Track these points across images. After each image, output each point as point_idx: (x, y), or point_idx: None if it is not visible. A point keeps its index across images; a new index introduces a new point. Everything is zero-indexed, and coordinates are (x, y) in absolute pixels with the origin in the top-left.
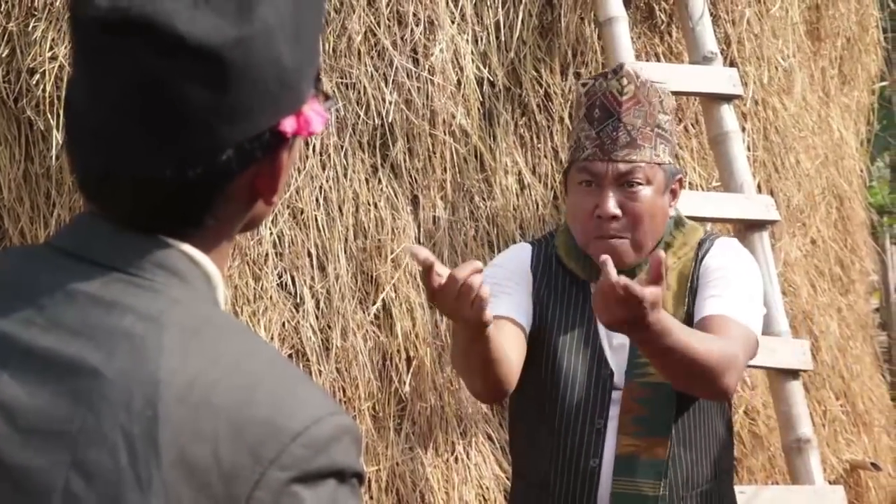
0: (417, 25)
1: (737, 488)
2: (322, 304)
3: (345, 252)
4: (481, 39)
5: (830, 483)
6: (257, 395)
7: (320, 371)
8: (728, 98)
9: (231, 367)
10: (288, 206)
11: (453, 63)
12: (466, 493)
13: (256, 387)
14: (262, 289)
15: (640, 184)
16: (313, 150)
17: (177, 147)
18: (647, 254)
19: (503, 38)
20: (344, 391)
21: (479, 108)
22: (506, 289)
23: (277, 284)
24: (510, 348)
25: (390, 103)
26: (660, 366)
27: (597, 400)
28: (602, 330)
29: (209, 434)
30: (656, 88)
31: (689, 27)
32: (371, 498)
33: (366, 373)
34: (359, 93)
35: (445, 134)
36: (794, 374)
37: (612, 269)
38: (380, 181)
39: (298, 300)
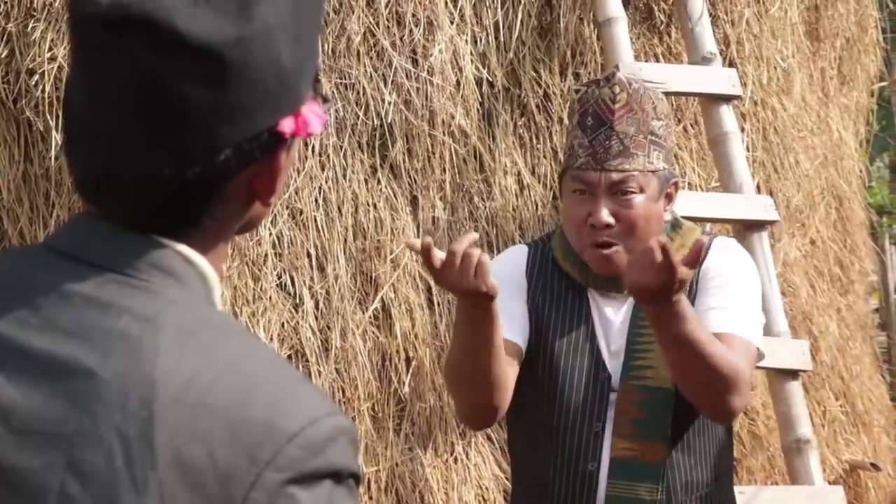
0: (416, 26)
1: (736, 489)
2: (321, 304)
3: (344, 252)
4: (480, 40)
5: (830, 483)
6: (254, 395)
7: (320, 371)
8: (727, 98)
9: (228, 367)
10: (287, 207)
11: (452, 64)
12: (466, 493)
13: (253, 388)
14: (261, 289)
15: (633, 192)
16: (312, 151)
17: (176, 146)
18: None
19: (502, 39)
20: (343, 392)
21: (478, 109)
22: (501, 303)
23: (277, 285)
24: (503, 369)
25: (389, 104)
26: (674, 360)
27: (595, 403)
28: (600, 333)
29: (205, 435)
30: (650, 94)
31: (688, 27)
32: (370, 498)
33: (365, 373)
34: (358, 93)
35: (445, 134)
36: (793, 374)
37: (655, 244)
38: (379, 182)
39: (298, 301)
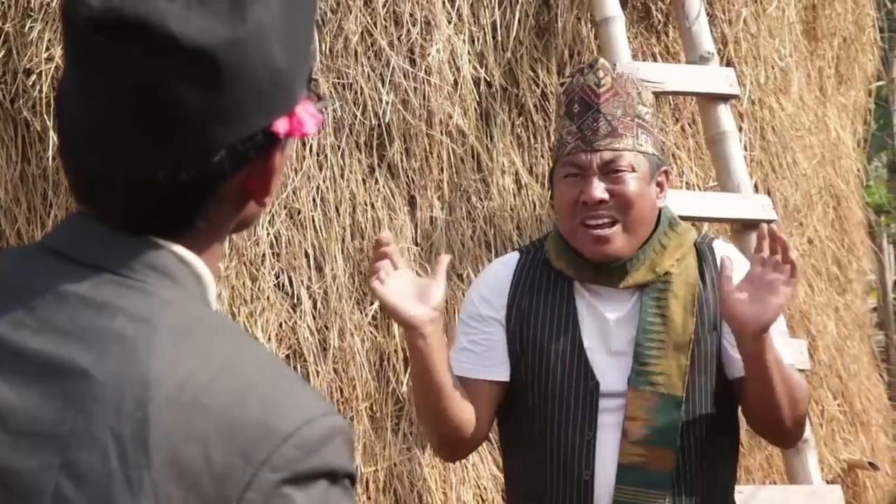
0: (414, 26)
1: (735, 488)
2: (319, 304)
3: (342, 252)
4: (478, 39)
5: (828, 483)
6: (249, 396)
7: (318, 371)
8: (725, 98)
9: (223, 368)
10: (285, 207)
11: (450, 63)
12: (464, 493)
13: (248, 388)
14: (259, 289)
15: (624, 170)
16: (310, 151)
17: (171, 147)
18: (639, 245)
19: (500, 38)
20: (341, 391)
21: (475, 109)
22: (474, 336)
23: (274, 285)
24: (468, 409)
25: (387, 103)
26: (767, 384)
27: (585, 412)
28: (590, 339)
29: (200, 435)
30: (633, 80)
31: (685, 27)
32: (369, 498)
33: (363, 373)
34: (355, 93)
35: (442, 134)
36: None
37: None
38: (377, 181)
39: (296, 300)
